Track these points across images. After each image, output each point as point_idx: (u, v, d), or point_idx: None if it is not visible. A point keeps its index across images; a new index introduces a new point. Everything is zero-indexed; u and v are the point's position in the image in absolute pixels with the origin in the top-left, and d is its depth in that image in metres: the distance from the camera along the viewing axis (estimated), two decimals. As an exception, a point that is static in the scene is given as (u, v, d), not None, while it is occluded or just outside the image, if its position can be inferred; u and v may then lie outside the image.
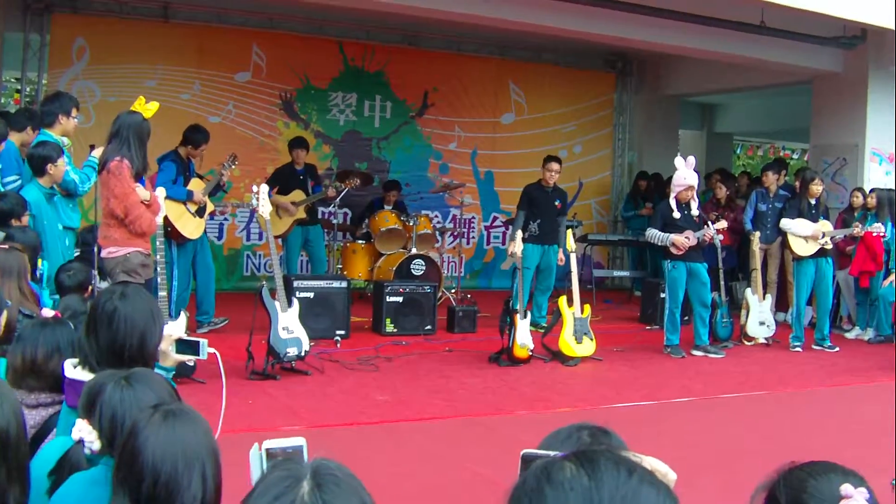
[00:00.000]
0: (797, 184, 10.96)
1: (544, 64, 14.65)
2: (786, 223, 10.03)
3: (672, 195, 9.43)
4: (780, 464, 1.91)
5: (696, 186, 9.43)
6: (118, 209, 6.12)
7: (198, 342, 3.44)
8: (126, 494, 2.11)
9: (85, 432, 2.46)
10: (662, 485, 1.28)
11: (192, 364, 6.68)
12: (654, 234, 9.38)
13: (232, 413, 6.13)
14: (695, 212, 9.41)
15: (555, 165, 10.31)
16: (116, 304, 3.13)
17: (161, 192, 6.75)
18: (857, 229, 10.11)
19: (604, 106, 15.45)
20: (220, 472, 2.19)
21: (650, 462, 1.59)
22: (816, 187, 10.06)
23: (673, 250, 9.24)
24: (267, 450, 1.89)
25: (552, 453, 1.38)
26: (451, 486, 5.31)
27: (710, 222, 9.45)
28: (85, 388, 2.62)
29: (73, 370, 3.04)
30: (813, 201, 10.06)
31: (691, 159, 9.37)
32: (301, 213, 10.35)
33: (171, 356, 3.41)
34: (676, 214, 9.31)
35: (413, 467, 5.62)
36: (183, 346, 3.42)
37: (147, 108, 6.25)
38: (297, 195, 10.36)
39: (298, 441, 1.94)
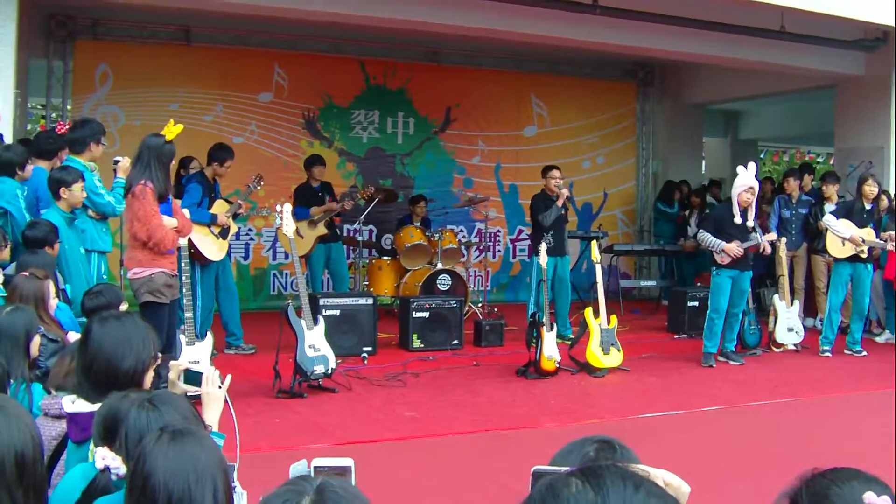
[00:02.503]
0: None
1: (565, 76, 14.64)
2: (828, 219, 9.83)
3: (734, 199, 9.20)
4: (804, 470, 1.89)
5: (756, 190, 9.20)
6: (141, 232, 6.22)
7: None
8: None
9: (109, 458, 2.46)
10: (671, 499, 1.27)
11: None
12: (705, 239, 9.16)
13: (259, 431, 6.18)
14: (750, 222, 9.19)
15: (556, 173, 10.37)
16: (92, 326, 3.15)
17: (186, 213, 6.87)
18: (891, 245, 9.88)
19: (626, 116, 15.42)
20: (231, 486, 2.21)
21: (664, 475, 1.59)
22: (869, 188, 9.84)
23: (718, 258, 9.13)
24: (315, 467, 1.91)
25: (562, 469, 1.38)
26: (479, 500, 5.30)
27: (762, 234, 9.23)
28: (98, 416, 2.62)
29: (73, 404, 3.00)
30: (868, 206, 9.84)
31: (752, 166, 9.14)
32: (322, 230, 10.37)
33: (178, 386, 3.44)
34: (738, 220, 9.10)
35: (441, 482, 5.61)
36: (191, 376, 3.48)
37: (171, 129, 6.33)
38: (314, 212, 10.36)
39: (346, 461, 1.94)
